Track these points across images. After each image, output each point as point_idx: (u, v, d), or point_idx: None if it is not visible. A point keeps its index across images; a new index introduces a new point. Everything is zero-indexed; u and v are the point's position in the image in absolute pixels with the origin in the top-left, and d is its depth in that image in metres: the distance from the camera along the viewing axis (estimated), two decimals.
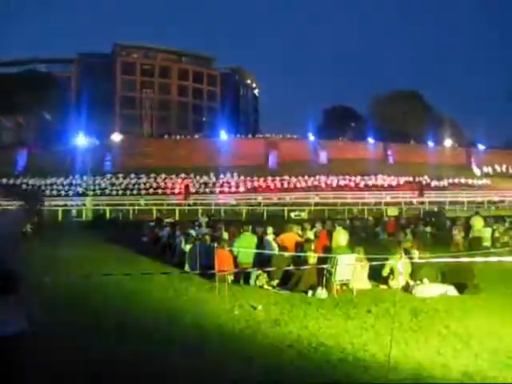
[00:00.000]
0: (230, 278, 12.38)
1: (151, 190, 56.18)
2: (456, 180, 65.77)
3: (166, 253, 17.48)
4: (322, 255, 12.46)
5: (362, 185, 61.86)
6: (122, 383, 5.76)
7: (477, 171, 73.82)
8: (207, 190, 57.49)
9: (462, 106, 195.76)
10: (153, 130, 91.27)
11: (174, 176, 59.96)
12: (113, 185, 58.09)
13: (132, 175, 59.82)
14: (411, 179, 63.72)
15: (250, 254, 13.60)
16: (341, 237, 13.14)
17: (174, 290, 11.35)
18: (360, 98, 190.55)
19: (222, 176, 61.38)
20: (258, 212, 40.44)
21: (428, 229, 23.61)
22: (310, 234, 16.29)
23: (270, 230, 16.43)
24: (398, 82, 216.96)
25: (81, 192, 53.39)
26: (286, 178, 61.81)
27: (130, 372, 6.07)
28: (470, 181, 66.90)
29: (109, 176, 60.14)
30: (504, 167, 76.35)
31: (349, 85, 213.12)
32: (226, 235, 16.76)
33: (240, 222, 27.19)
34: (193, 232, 18.28)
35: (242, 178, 61.13)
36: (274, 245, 14.95)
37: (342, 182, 62.13)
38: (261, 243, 15.38)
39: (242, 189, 58.40)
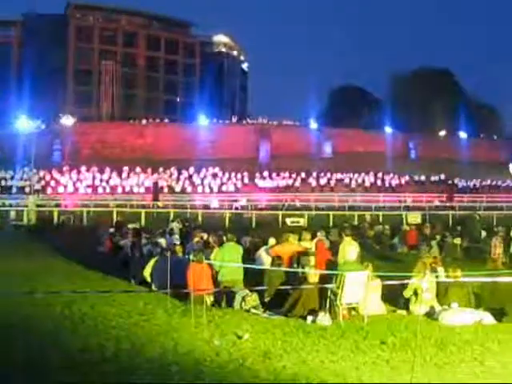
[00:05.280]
0: (209, 299, 12.36)
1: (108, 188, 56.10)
2: (489, 181, 65.85)
3: (127, 266, 17.42)
4: (325, 272, 12.45)
5: (376, 185, 62.01)
6: None
7: None
8: (182, 188, 57.35)
9: (503, 88, 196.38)
10: (114, 112, 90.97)
11: (139, 170, 59.63)
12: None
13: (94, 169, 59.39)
14: (438, 179, 63.97)
15: (235, 270, 13.56)
16: (349, 249, 13.13)
17: (139, 314, 11.28)
18: (376, 76, 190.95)
19: (200, 171, 61.08)
20: (244, 217, 40.44)
21: (458, 240, 23.66)
22: (310, 246, 16.28)
23: (271, 240, 16.44)
24: (423, 59, 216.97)
25: (26, 189, 53.23)
26: (281, 174, 61.78)
27: None
28: (499, 182, 66.98)
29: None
30: None
31: (361, 61, 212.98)
32: (203, 246, 16.77)
33: (222, 229, 27.17)
34: (162, 241, 18.29)
35: (226, 173, 60.98)
36: (266, 258, 14.96)
37: (350, 181, 62.20)
38: (248, 256, 15.41)
39: (225, 188, 58.34)
